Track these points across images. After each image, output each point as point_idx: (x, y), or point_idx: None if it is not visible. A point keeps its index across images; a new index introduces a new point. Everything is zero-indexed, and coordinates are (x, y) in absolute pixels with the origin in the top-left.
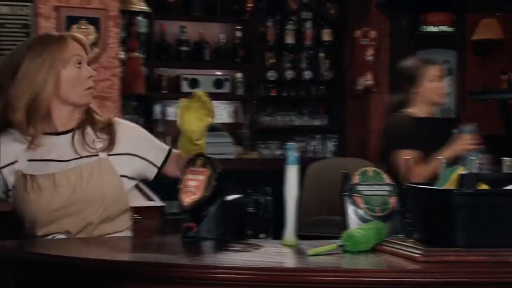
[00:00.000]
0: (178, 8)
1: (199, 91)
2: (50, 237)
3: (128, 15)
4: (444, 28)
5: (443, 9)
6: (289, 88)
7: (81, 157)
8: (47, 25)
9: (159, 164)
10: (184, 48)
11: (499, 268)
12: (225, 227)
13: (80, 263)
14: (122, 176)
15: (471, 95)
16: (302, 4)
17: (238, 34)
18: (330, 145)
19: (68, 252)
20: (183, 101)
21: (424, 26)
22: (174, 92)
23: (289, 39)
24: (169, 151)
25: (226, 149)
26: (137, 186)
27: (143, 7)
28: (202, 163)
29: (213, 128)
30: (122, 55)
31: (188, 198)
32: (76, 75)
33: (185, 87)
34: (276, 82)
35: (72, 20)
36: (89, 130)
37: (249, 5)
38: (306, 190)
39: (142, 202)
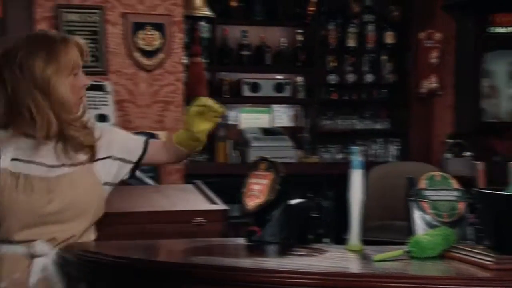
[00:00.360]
0: (240, 13)
1: (207, 100)
2: (30, 244)
3: (191, 20)
4: None
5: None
6: (350, 91)
7: (64, 165)
8: (115, 31)
9: (135, 160)
10: (245, 53)
11: None
12: (289, 231)
13: (149, 266)
14: (104, 183)
15: None
16: (365, 7)
17: (299, 37)
18: (393, 149)
19: (132, 255)
20: (194, 109)
21: (492, 27)
22: (236, 96)
23: (351, 42)
24: (146, 143)
25: (286, 153)
26: (200, 189)
27: (207, 12)
28: (266, 167)
29: (273, 132)
30: (185, 60)
31: (251, 202)
32: (72, 84)
33: (246, 91)
34: (337, 85)
35: (138, 26)
36: (70, 138)
37: (311, 8)
38: (368, 194)
39: (206, 206)
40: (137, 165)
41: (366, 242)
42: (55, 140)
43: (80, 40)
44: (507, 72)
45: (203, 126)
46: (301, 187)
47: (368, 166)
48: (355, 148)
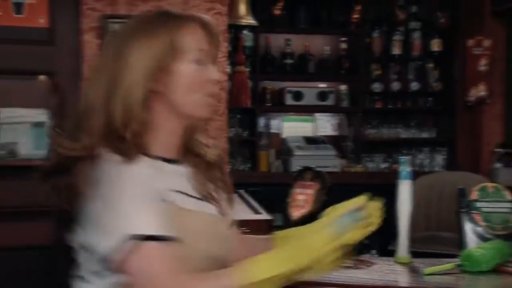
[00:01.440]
0: (283, 21)
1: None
2: None
3: (235, 29)
4: None
5: None
6: (395, 99)
7: (205, 199)
8: None
9: None
10: (288, 61)
11: None
12: None
13: None
14: None
15: None
16: (410, 14)
17: (343, 45)
18: (439, 159)
19: None
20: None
21: None
22: (278, 105)
23: (396, 50)
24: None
25: (330, 162)
26: (243, 199)
27: (251, 21)
28: (311, 176)
29: (316, 141)
30: (229, 69)
31: (297, 212)
32: (194, 75)
33: (289, 100)
34: (382, 94)
35: None
36: (199, 164)
37: (355, 16)
38: (414, 204)
39: (250, 215)
40: None
41: (412, 253)
42: (182, 162)
43: (210, 20)
44: None
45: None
46: (345, 197)
47: (413, 175)
48: (404, 158)
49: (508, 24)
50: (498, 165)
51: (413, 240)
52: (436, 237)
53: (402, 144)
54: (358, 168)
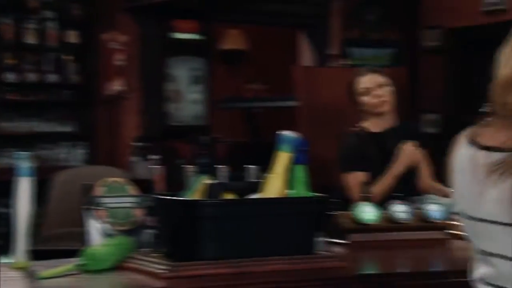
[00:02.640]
0: None
1: None
2: None
3: None
4: (192, 36)
5: (191, 17)
6: (32, 91)
7: None
8: None
9: None
10: None
11: (244, 280)
12: None
13: None
14: None
15: (218, 104)
16: (44, 3)
17: None
18: (80, 153)
19: None
20: None
21: (173, 33)
22: None
23: (30, 39)
24: None
25: None
26: None
27: None
28: None
29: None
30: None
31: None
32: None
33: None
34: (16, 85)
35: None
36: None
37: None
38: (52, 200)
39: None
40: None
41: (45, 252)
42: None
43: None
44: (189, 77)
45: None
46: None
47: (53, 171)
48: (23, 154)
49: (140, 21)
50: (135, 158)
51: (49, 237)
52: (72, 233)
53: (40, 138)
54: None
